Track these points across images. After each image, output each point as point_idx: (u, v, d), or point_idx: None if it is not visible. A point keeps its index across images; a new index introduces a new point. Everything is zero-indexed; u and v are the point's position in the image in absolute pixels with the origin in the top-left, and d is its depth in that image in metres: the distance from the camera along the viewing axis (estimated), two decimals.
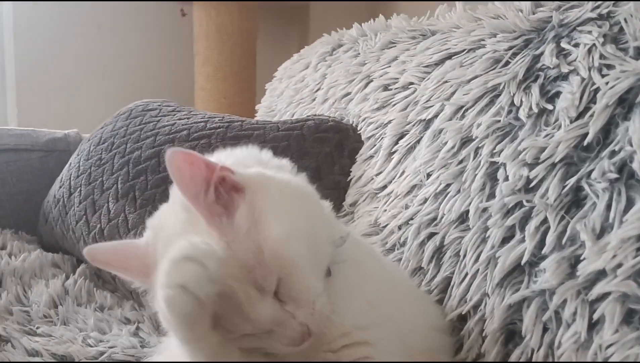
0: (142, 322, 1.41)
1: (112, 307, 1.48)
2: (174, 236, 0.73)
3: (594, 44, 0.97)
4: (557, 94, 0.98)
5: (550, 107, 0.98)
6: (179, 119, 1.64)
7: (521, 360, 0.89)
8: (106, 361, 1.21)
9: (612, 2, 1.00)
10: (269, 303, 0.72)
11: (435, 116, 1.22)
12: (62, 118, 2.67)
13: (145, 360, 1.00)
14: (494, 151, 1.04)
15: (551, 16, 1.09)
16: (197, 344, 0.70)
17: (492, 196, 1.02)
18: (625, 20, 0.95)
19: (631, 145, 0.84)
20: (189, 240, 0.68)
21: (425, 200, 1.16)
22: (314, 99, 1.72)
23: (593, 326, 0.82)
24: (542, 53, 1.05)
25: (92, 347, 1.26)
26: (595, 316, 0.81)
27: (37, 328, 1.31)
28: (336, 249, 0.82)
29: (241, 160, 0.82)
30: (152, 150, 1.55)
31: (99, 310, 1.45)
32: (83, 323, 1.37)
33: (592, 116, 0.91)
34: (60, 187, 1.74)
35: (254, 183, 0.75)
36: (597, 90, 0.92)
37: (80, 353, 1.23)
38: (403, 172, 1.26)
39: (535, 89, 1.01)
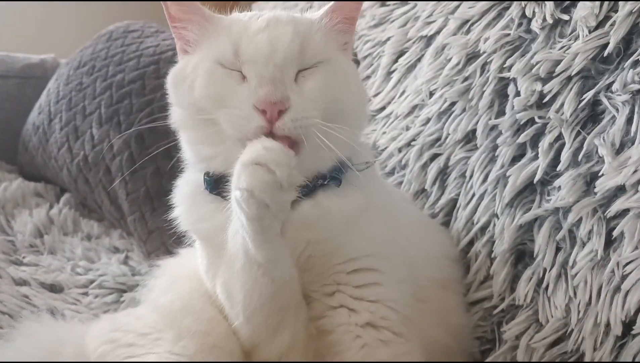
0: (131, 250, 1.37)
1: (99, 236, 1.43)
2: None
3: None
4: (574, 3, 0.93)
5: (566, 17, 0.92)
6: (163, 40, 1.55)
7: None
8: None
9: None
10: (293, 71, 0.73)
11: (438, 31, 1.16)
12: (36, 43, 2.54)
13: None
14: (504, 66, 0.99)
15: None
16: (265, 245, 0.68)
17: (501, 113, 0.98)
18: None
19: None
20: (263, 142, 0.66)
21: (428, 120, 1.12)
22: None
23: (610, 244, 0.80)
24: None
25: (81, 275, 1.23)
26: (615, 233, 0.78)
27: (24, 257, 1.26)
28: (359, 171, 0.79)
29: None
30: (136, 72, 1.47)
31: (86, 239, 1.41)
32: (70, 252, 1.33)
33: (612, 25, 0.85)
34: (39, 114, 1.66)
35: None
36: None
37: (69, 281, 1.20)
38: (403, 92, 1.21)
39: None
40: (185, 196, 0.83)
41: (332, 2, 0.79)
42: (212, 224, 0.78)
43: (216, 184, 0.77)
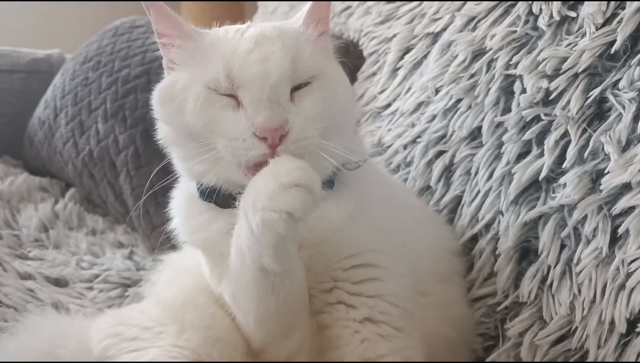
0: (135, 245, 1.38)
1: (104, 231, 1.44)
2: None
3: None
4: (581, 0, 0.92)
5: (573, 14, 0.92)
6: None
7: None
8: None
9: None
10: (287, 89, 0.71)
11: (444, 28, 1.16)
12: (42, 38, 2.55)
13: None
14: (510, 63, 0.99)
15: None
16: (279, 259, 0.66)
17: (507, 110, 0.98)
18: None
19: None
20: (296, 162, 0.65)
21: (434, 117, 1.11)
22: None
23: (615, 241, 0.80)
24: None
25: (86, 269, 1.23)
26: (620, 231, 0.78)
27: (29, 252, 1.27)
28: (347, 171, 0.78)
29: None
30: (141, 67, 1.47)
31: (91, 234, 1.41)
32: (75, 247, 1.33)
33: (620, 22, 0.85)
34: (45, 109, 1.67)
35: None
36: None
37: (74, 276, 1.20)
38: (409, 88, 1.21)
39: None
40: (181, 207, 0.83)
41: (308, 6, 0.78)
42: (209, 233, 0.78)
43: (210, 192, 0.77)
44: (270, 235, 0.63)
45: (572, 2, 0.93)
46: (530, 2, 0.99)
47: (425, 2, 1.24)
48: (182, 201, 0.83)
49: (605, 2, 0.87)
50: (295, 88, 0.72)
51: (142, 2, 0.78)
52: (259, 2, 2.02)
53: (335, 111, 0.75)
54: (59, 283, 1.18)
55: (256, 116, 0.68)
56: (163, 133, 0.79)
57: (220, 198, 0.76)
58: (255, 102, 0.69)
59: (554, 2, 0.95)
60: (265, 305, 0.73)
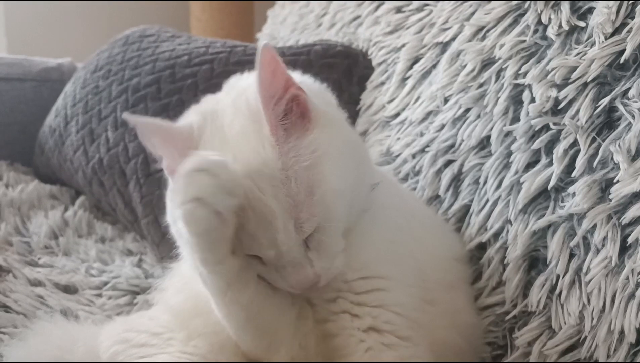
0: (144, 253, 1.38)
1: (113, 239, 1.45)
2: (231, 139, 0.71)
3: None
4: (590, 10, 0.92)
5: (582, 24, 0.92)
6: (179, 44, 1.57)
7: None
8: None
9: None
10: (299, 242, 0.70)
11: (454, 38, 1.16)
12: (53, 47, 2.57)
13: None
14: (519, 73, 0.99)
15: None
16: (216, 267, 0.68)
17: (516, 119, 0.98)
18: None
19: None
20: (201, 153, 0.66)
21: (443, 126, 1.11)
22: (320, 25, 1.65)
23: (625, 251, 0.79)
24: None
25: (95, 277, 1.24)
26: (630, 240, 0.78)
27: (39, 259, 1.27)
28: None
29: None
30: (151, 76, 1.49)
31: (100, 242, 1.42)
32: (85, 254, 1.34)
33: (629, 31, 0.85)
34: (56, 117, 1.68)
35: (324, 120, 0.74)
36: (635, 4, 0.86)
37: (83, 283, 1.21)
38: (418, 98, 1.21)
39: (565, 5, 0.95)
40: None
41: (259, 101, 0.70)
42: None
43: None
44: (196, 233, 0.64)
45: (582, 11, 0.93)
46: (539, 12, 0.99)
47: (434, 12, 1.24)
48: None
49: (615, 11, 0.87)
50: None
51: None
52: (268, 12, 2.04)
53: (352, 218, 0.77)
54: (68, 290, 1.19)
55: (285, 280, 0.72)
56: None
57: None
58: (280, 268, 0.71)
59: (563, 11, 0.95)
60: (230, 321, 0.75)
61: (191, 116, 0.77)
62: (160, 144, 0.74)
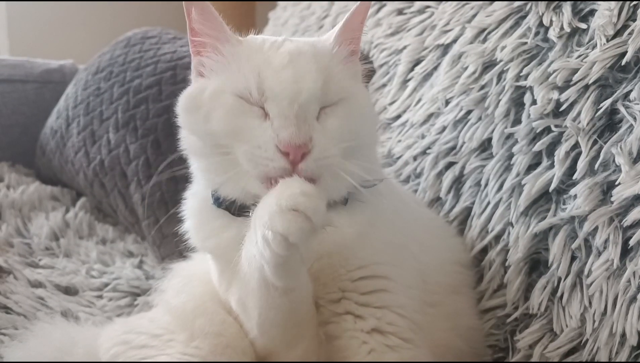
0: (145, 255, 1.38)
1: (114, 240, 1.44)
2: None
3: None
4: (592, 12, 0.92)
5: (583, 26, 0.92)
6: (181, 46, 1.57)
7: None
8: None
9: None
10: (315, 108, 0.72)
11: (455, 40, 1.16)
12: (55, 49, 2.58)
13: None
14: (520, 75, 0.99)
15: None
16: (281, 278, 0.67)
17: (517, 121, 0.98)
18: None
19: None
20: (301, 186, 0.64)
21: (444, 128, 1.11)
22: (321, 27, 1.64)
23: (626, 253, 0.79)
24: None
25: (96, 278, 1.23)
26: (631, 242, 0.78)
27: (40, 260, 1.27)
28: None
29: None
30: (153, 78, 1.48)
31: (101, 243, 1.42)
32: (85, 255, 1.34)
33: (631, 33, 0.85)
34: (57, 118, 1.68)
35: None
36: (636, 6, 0.86)
37: (84, 284, 1.20)
38: (419, 100, 1.21)
39: (567, 8, 0.95)
40: (194, 210, 0.83)
41: (340, 25, 0.78)
42: (220, 240, 0.78)
43: (224, 200, 0.77)
44: (270, 252, 0.63)
45: (583, 14, 0.93)
46: (540, 14, 0.99)
47: (435, 14, 1.24)
48: (195, 205, 0.83)
49: (616, 13, 0.87)
50: (323, 107, 0.73)
51: (183, 1, 0.77)
52: (270, 14, 2.03)
53: (359, 133, 0.75)
54: (69, 291, 1.18)
55: (281, 130, 0.69)
56: (187, 143, 0.79)
57: (234, 206, 0.76)
58: (283, 117, 0.70)
59: (565, 13, 0.95)
60: (266, 315, 0.74)
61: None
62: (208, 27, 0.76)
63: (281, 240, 0.62)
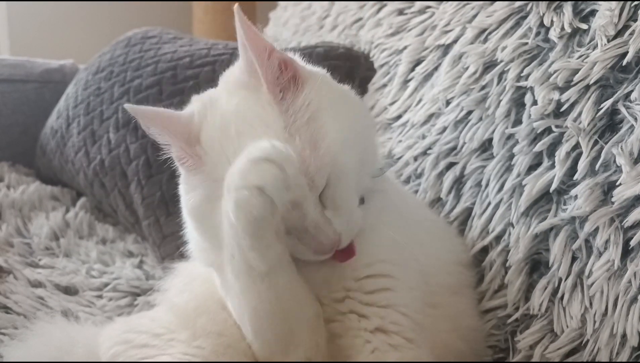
0: (145, 255, 1.38)
1: (114, 240, 1.45)
2: (231, 113, 0.72)
3: None
4: (592, 12, 0.92)
5: (584, 26, 0.92)
6: (181, 46, 1.57)
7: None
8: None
9: None
10: (315, 201, 0.70)
11: (455, 40, 1.16)
12: (56, 49, 2.58)
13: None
14: (521, 75, 0.99)
15: None
16: (262, 251, 0.66)
17: (518, 122, 0.97)
18: None
19: None
20: (270, 141, 0.64)
21: (444, 129, 1.11)
22: (322, 27, 1.64)
23: (627, 254, 0.79)
24: None
25: (96, 278, 1.23)
26: (632, 243, 0.78)
27: (40, 260, 1.27)
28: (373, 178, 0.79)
29: None
30: (153, 78, 1.48)
31: (101, 243, 1.42)
32: (85, 255, 1.34)
33: (632, 34, 0.85)
34: (57, 118, 1.68)
35: (313, 78, 0.75)
36: (637, 6, 0.86)
37: (84, 284, 1.21)
38: (420, 100, 1.21)
39: (567, 8, 0.95)
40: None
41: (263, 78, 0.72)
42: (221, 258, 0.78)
43: None
44: (245, 219, 0.63)
45: (584, 14, 0.93)
46: (541, 14, 0.99)
47: (436, 14, 1.24)
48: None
49: (617, 14, 0.87)
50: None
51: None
52: (270, 14, 2.03)
53: (363, 173, 0.76)
54: (69, 291, 1.18)
55: (309, 245, 0.71)
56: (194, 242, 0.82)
57: None
58: (302, 235, 0.71)
59: (566, 14, 0.95)
60: (255, 314, 0.73)
61: (192, 105, 0.79)
62: (161, 132, 0.75)
63: (258, 194, 0.61)
